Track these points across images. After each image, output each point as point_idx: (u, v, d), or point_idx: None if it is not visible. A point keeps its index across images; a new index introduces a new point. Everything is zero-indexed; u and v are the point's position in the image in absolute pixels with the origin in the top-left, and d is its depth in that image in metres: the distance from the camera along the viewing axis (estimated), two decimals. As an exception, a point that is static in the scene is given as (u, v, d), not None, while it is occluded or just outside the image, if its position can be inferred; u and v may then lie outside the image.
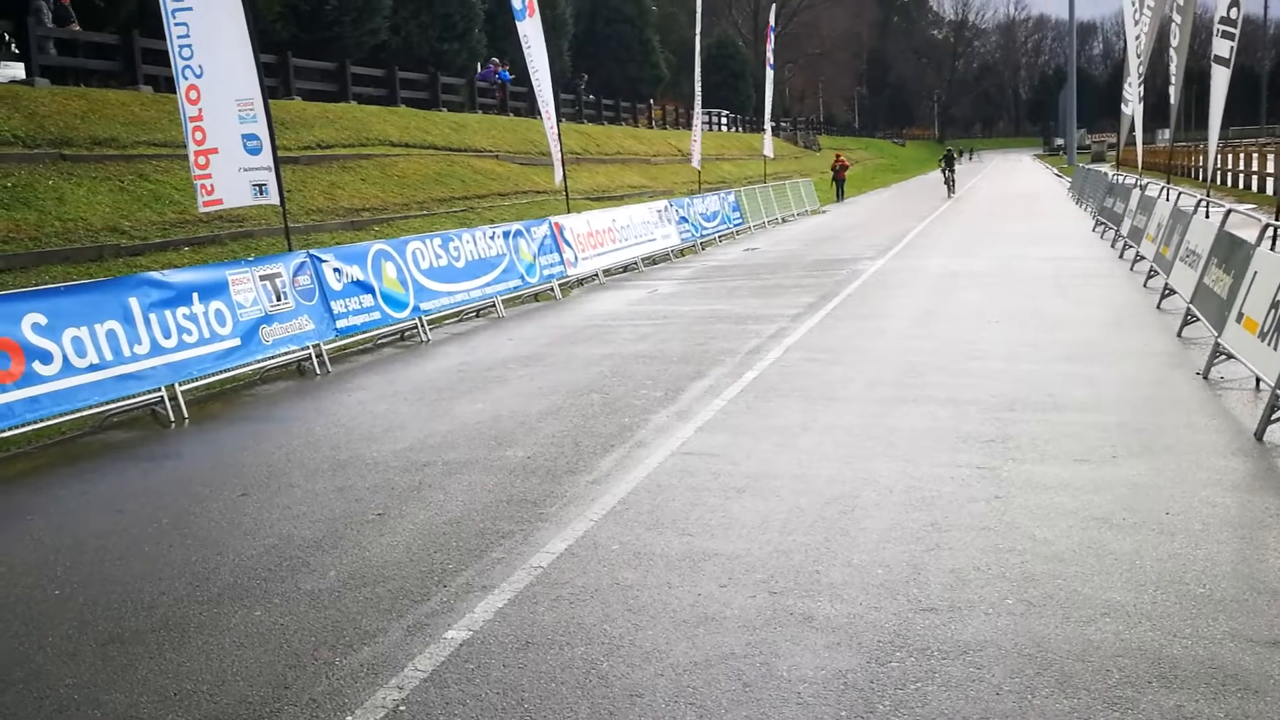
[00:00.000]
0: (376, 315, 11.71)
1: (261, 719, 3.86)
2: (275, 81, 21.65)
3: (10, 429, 7.58)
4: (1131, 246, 16.46)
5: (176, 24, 10.30)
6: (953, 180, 40.96)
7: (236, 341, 9.70)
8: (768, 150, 36.57)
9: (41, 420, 7.83)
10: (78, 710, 3.99)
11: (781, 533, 5.36)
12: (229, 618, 4.72)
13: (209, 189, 10.60)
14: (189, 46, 10.32)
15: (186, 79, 10.38)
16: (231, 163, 10.56)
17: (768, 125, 36.89)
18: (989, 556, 4.92)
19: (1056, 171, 61.55)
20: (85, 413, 8.28)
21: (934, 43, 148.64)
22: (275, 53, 22.33)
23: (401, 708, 3.87)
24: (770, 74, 36.88)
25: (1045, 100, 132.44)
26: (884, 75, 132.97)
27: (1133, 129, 24.08)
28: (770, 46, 37.67)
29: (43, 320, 7.87)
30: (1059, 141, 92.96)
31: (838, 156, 43.96)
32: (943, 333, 10.89)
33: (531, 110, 18.54)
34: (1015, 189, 45.81)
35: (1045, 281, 14.60)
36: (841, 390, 8.53)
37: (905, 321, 11.77)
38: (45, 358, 7.83)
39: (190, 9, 10.25)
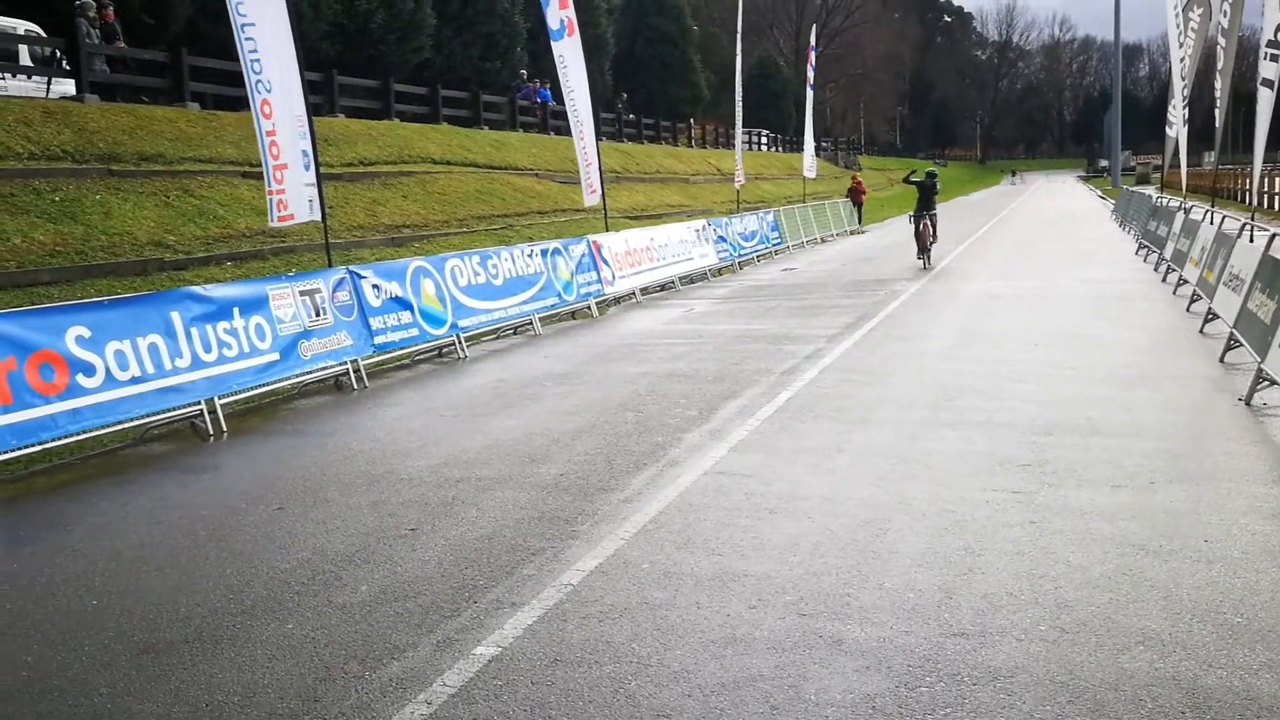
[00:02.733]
0: (414, 332, 11.80)
1: (290, 731, 3.90)
2: (321, 99, 21.96)
3: (53, 440, 7.72)
4: (1175, 270, 16.26)
5: (246, 38, 10.21)
6: (932, 231, 21.08)
7: (275, 356, 9.81)
8: (807, 170, 36.49)
9: (84, 432, 7.95)
10: (111, 719, 4.04)
11: (812, 555, 5.34)
12: (261, 630, 4.77)
13: (283, 204, 10.54)
14: (258, 61, 10.25)
15: (259, 94, 10.29)
16: (298, 178, 10.63)
17: (808, 145, 36.73)
18: (1022, 582, 4.86)
19: (1100, 193, 60.97)
20: (126, 425, 8.41)
21: (977, 63, 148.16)
22: (321, 70, 22.62)
23: (429, 723, 3.89)
24: (811, 94, 36.85)
25: (1090, 122, 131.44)
26: (926, 95, 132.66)
27: (1177, 151, 23.84)
28: (811, 66, 37.67)
29: (86, 333, 8.00)
30: (1103, 163, 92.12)
31: (853, 178, 41.90)
32: (981, 355, 10.81)
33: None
34: (1058, 210, 45.43)
35: (1086, 304, 14.45)
36: (876, 412, 8.48)
37: (943, 343, 11.69)
38: (88, 370, 7.96)
39: (254, 24, 10.24)
